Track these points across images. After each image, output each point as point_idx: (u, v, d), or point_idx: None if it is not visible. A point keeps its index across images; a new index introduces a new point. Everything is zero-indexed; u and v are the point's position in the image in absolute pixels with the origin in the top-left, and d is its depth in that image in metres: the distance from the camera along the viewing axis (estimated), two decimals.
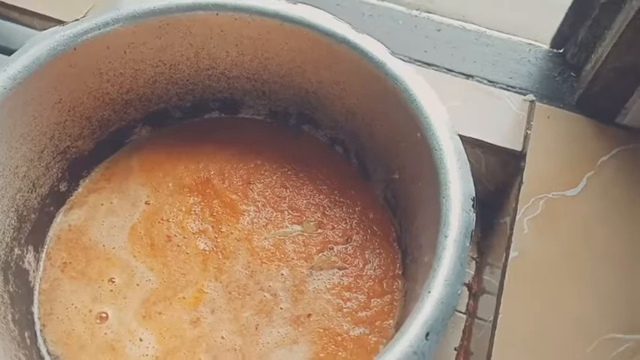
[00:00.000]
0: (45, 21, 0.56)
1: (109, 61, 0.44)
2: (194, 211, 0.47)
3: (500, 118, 0.51)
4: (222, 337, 0.41)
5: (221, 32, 0.45)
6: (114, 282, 0.44)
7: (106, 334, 0.41)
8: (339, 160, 0.50)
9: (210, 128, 0.52)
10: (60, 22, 0.43)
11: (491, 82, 0.54)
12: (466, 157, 0.36)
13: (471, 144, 0.49)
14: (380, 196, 0.47)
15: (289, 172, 0.49)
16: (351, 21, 0.43)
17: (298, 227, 0.46)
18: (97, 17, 0.42)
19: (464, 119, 0.49)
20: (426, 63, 0.55)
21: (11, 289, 0.41)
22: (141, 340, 0.41)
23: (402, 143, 0.42)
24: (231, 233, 0.46)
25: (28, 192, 0.43)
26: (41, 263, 0.44)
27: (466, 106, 0.51)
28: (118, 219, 0.46)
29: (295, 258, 0.45)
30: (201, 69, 0.48)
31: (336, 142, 0.50)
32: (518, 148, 0.49)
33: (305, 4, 0.44)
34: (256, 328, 0.42)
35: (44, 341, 0.41)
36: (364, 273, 0.44)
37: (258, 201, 0.47)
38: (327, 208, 0.47)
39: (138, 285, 0.43)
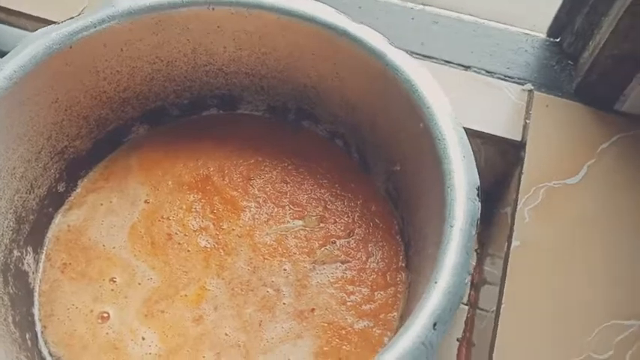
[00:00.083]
0: (36, 22, 0.56)
1: (105, 59, 0.44)
2: (194, 208, 0.47)
3: (499, 109, 0.51)
4: (226, 334, 0.41)
5: (218, 27, 0.45)
6: (115, 281, 0.43)
7: (107, 333, 0.41)
8: (339, 154, 0.49)
9: (208, 125, 0.51)
10: (52, 24, 0.43)
11: (489, 73, 0.54)
12: (470, 146, 0.36)
13: (470, 135, 0.48)
14: (381, 188, 0.47)
15: (289, 167, 0.49)
16: (346, 14, 0.43)
17: (300, 222, 0.46)
18: (93, 15, 0.42)
19: (463, 110, 0.49)
20: (423, 55, 0.55)
21: (11, 291, 0.40)
22: (143, 338, 0.41)
23: (403, 134, 0.41)
24: (233, 230, 0.46)
25: (26, 193, 0.43)
26: (41, 264, 0.44)
27: (465, 98, 0.51)
28: (117, 218, 0.46)
29: (297, 253, 0.44)
30: (198, 65, 0.48)
31: (335, 135, 0.50)
32: (518, 138, 0.49)
33: None
34: (260, 324, 0.41)
35: (45, 343, 0.41)
36: (367, 266, 0.44)
37: (259, 197, 0.47)
38: (329, 202, 0.47)
39: (139, 284, 0.43)
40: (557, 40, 0.57)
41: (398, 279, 0.43)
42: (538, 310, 0.41)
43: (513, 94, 0.52)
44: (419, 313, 0.30)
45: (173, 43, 0.46)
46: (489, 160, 0.51)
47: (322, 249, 0.45)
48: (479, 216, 0.33)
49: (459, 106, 0.49)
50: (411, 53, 0.55)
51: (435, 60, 0.55)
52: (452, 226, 0.32)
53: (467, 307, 0.50)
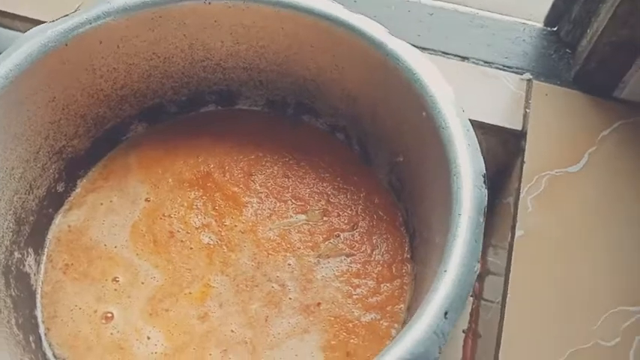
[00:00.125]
0: (30, 24, 0.55)
1: (101, 56, 0.43)
2: (196, 205, 0.46)
3: (498, 99, 0.51)
4: (232, 331, 0.41)
5: (215, 22, 0.44)
6: (118, 281, 0.43)
7: (112, 334, 0.41)
8: (340, 147, 0.49)
9: (206, 121, 0.51)
10: None
11: (488, 63, 0.54)
12: (474, 134, 0.36)
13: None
14: (384, 180, 0.47)
15: (290, 162, 0.48)
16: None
17: (303, 216, 0.46)
18: (88, 11, 0.41)
19: (462, 101, 0.49)
20: (420, 47, 0.54)
21: (13, 293, 0.40)
22: (149, 338, 0.40)
23: (405, 125, 0.41)
24: (235, 226, 0.45)
25: (25, 194, 0.42)
26: (42, 266, 0.43)
27: (463, 89, 0.51)
28: (118, 217, 0.46)
29: (302, 247, 0.44)
30: (196, 61, 0.47)
31: (336, 129, 0.50)
32: (518, 127, 0.49)
33: None
34: (266, 320, 0.41)
35: (50, 345, 0.40)
36: (372, 258, 0.44)
37: (261, 192, 0.47)
38: (332, 196, 0.47)
39: (143, 283, 0.43)
40: (555, 28, 0.57)
41: (404, 271, 0.43)
42: (544, 299, 0.41)
43: (512, 83, 0.52)
44: (429, 303, 0.30)
45: (170, 39, 0.45)
46: (491, 151, 0.51)
47: (326, 243, 0.44)
48: (486, 203, 0.33)
49: (458, 97, 0.49)
50: None
51: (432, 52, 0.55)
52: (459, 215, 0.32)
53: (472, 299, 0.50)
